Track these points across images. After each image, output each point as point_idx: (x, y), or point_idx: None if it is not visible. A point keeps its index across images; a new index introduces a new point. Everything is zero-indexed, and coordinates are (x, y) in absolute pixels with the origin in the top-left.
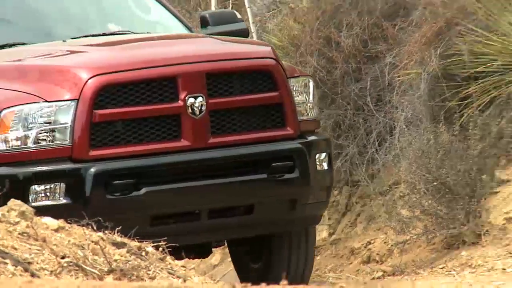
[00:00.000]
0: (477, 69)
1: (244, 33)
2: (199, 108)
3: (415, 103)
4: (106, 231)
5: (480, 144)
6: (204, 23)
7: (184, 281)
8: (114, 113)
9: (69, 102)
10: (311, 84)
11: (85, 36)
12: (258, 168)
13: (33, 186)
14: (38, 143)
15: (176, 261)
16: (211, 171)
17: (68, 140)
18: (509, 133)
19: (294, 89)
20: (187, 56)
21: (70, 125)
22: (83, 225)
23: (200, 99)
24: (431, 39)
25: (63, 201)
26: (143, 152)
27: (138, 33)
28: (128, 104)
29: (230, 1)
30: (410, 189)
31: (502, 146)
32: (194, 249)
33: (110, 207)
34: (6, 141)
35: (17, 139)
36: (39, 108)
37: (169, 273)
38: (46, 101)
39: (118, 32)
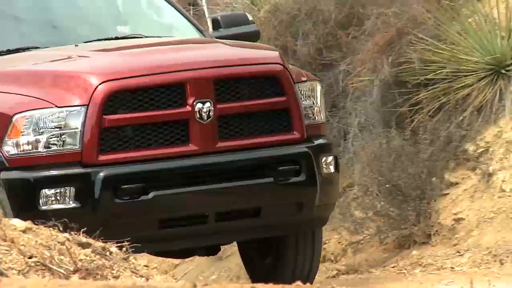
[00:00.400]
0: (427, 76)
1: (255, 35)
2: (207, 113)
3: (368, 109)
4: (72, 232)
5: (430, 148)
6: (216, 25)
7: (147, 279)
8: (123, 119)
9: (79, 107)
10: (318, 88)
11: (98, 40)
12: (265, 172)
13: (43, 190)
14: (49, 147)
15: (140, 261)
16: (218, 175)
17: (78, 145)
18: (458, 137)
19: (302, 93)
20: (195, 62)
21: (80, 130)
22: (50, 227)
23: (208, 104)
24: (383, 48)
25: (72, 204)
26: (152, 157)
27: (149, 36)
28: (137, 109)
29: (191, 11)
30: (363, 191)
31: (451, 150)
32: (203, 247)
33: (118, 211)
34: (17, 145)
35: (28, 143)
36: (50, 114)
37: (132, 272)
38: (57, 106)
39: (130, 36)
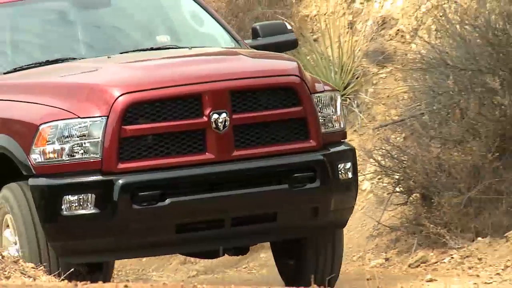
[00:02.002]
0: None
1: (292, 44)
2: (223, 123)
3: None
4: None
5: None
6: (255, 34)
7: (34, 279)
8: (141, 129)
9: (100, 118)
10: (338, 98)
11: (134, 51)
12: (280, 179)
13: (66, 196)
14: (72, 156)
15: (28, 264)
16: (233, 183)
17: (99, 154)
18: None
19: (321, 102)
20: (211, 75)
21: (101, 140)
22: None
23: (224, 115)
24: None
25: (93, 210)
26: (169, 165)
27: (182, 47)
28: (155, 120)
29: None
30: None
31: None
32: (231, 248)
33: (136, 217)
34: (43, 153)
35: (53, 152)
36: (73, 124)
37: (22, 273)
38: (79, 117)
39: (164, 47)
